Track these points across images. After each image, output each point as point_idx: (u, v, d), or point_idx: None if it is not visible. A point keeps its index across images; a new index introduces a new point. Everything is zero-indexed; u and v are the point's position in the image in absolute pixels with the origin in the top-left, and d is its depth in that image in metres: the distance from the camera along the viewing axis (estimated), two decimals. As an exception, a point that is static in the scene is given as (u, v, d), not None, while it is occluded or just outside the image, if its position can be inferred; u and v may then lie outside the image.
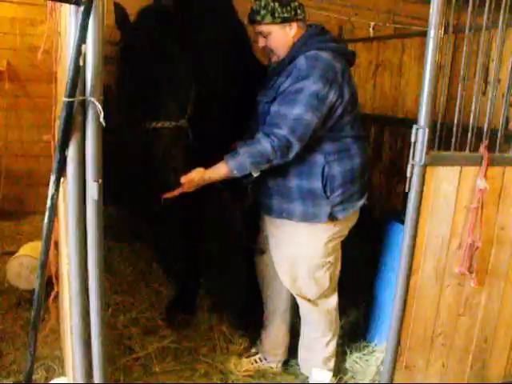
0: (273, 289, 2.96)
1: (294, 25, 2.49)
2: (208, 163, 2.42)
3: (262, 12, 2.43)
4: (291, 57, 2.47)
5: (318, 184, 2.47)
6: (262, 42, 2.55)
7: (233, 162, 2.37)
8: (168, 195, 2.41)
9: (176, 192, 2.40)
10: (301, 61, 2.40)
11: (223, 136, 2.77)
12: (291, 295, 2.86)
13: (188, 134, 2.48)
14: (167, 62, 2.45)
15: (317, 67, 2.35)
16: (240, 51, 3.03)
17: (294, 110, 2.32)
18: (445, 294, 2.61)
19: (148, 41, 2.45)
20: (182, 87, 2.51)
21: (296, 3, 2.48)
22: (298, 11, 2.49)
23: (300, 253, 2.62)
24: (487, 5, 2.45)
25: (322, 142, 2.48)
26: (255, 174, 2.44)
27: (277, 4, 2.42)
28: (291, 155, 2.37)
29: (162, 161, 2.38)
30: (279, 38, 2.49)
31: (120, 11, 2.55)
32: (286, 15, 2.44)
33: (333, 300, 2.80)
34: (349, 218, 2.63)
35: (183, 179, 2.37)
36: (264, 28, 2.48)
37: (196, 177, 2.39)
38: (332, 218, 2.52)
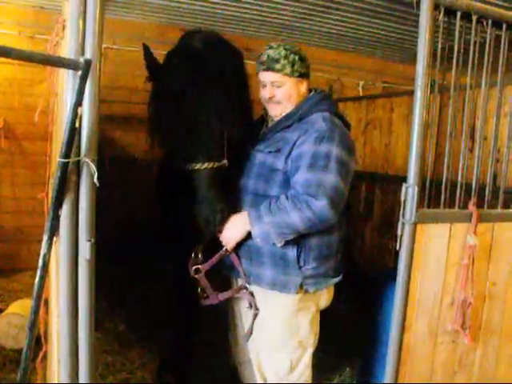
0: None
1: (305, 82, 2.42)
2: None
3: (283, 61, 2.32)
4: (303, 114, 2.35)
5: (292, 252, 2.31)
6: (270, 93, 2.39)
7: (257, 228, 2.25)
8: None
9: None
10: (319, 121, 2.29)
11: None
12: None
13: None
14: (203, 101, 2.30)
15: (336, 132, 2.27)
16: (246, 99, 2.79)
17: (329, 178, 2.18)
18: (439, 352, 2.58)
19: (181, 81, 2.30)
20: (220, 125, 2.34)
21: (308, 62, 2.42)
22: (309, 70, 2.43)
23: (262, 324, 2.43)
24: (470, 66, 2.56)
25: None
26: (279, 245, 2.28)
27: (297, 57, 2.34)
28: (324, 227, 2.26)
29: (210, 203, 2.28)
30: (292, 91, 2.38)
31: (148, 51, 2.43)
32: (303, 70, 2.37)
33: None
34: (320, 294, 2.45)
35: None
36: (280, 78, 2.35)
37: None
38: (301, 289, 2.34)
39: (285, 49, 2.34)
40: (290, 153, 2.29)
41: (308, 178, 2.21)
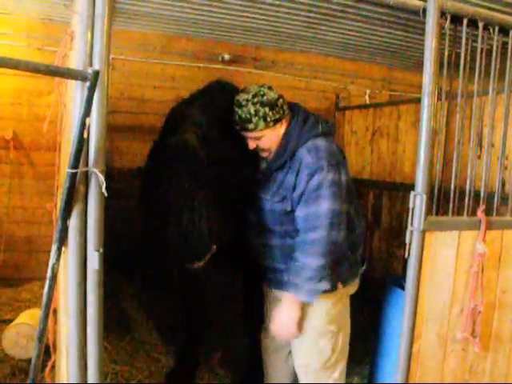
0: (276, 360, 2.90)
1: (284, 121, 2.44)
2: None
3: (254, 119, 2.36)
4: (290, 152, 2.41)
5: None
6: (253, 145, 2.47)
7: (304, 295, 2.35)
8: None
9: None
10: (305, 157, 2.36)
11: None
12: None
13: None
14: (195, 208, 2.26)
15: (322, 158, 2.33)
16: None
17: (322, 207, 2.28)
18: (449, 361, 2.56)
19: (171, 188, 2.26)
20: (208, 229, 2.31)
21: (281, 100, 2.43)
22: (284, 107, 2.44)
23: (304, 321, 2.55)
24: (477, 73, 2.55)
25: None
26: (329, 287, 2.37)
27: (267, 108, 2.36)
28: (343, 246, 2.37)
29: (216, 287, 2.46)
30: (271, 138, 2.43)
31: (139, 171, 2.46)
32: (277, 117, 2.39)
33: (335, 374, 2.66)
34: (349, 285, 2.59)
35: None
36: (257, 134, 2.41)
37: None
38: (336, 288, 2.48)
39: (253, 104, 2.35)
40: (292, 195, 2.40)
41: (306, 213, 2.34)
